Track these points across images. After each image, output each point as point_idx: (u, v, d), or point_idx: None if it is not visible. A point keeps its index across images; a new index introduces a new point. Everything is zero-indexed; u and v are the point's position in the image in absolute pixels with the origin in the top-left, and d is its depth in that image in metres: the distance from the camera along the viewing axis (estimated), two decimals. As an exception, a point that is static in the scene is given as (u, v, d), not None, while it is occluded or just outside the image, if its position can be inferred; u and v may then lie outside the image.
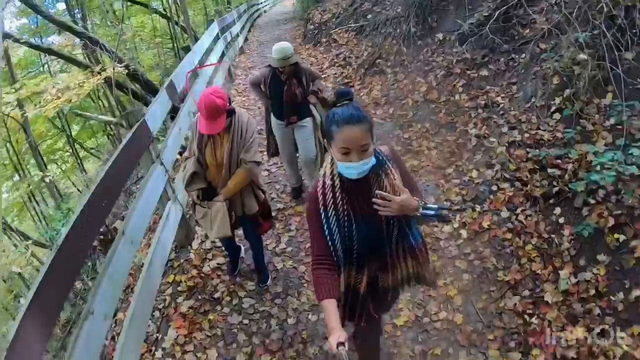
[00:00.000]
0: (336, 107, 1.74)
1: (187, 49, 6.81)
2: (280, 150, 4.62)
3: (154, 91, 9.02)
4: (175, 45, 14.83)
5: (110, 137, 15.82)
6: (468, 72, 5.98)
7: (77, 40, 9.72)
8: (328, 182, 1.85)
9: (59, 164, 16.44)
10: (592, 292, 3.01)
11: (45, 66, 15.32)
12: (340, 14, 10.81)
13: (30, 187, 10.80)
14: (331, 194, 1.84)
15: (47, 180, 10.42)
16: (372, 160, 1.75)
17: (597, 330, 2.85)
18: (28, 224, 13.31)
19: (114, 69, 7.22)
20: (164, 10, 15.71)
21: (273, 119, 4.42)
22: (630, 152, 3.33)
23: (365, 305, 2.09)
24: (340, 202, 1.84)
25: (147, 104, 9.55)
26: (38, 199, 13.21)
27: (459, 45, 6.51)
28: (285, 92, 4.11)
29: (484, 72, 5.77)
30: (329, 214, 1.85)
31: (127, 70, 8.14)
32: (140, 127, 3.44)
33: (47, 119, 11.07)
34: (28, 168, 13.25)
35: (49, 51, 8.61)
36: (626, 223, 3.15)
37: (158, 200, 3.64)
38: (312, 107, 4.27)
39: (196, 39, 8.22)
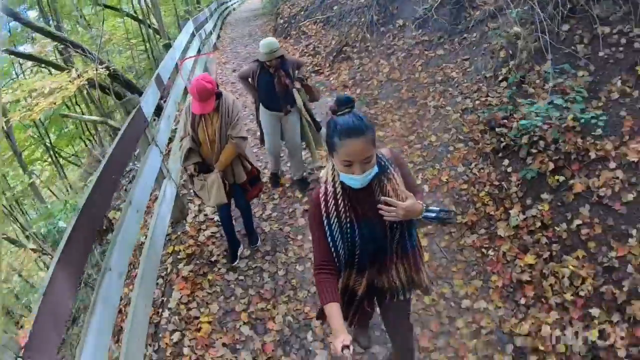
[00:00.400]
0: (337, 115, 1.68)
1: (168, 46, 7.03)
2: (266, 140, 4.66)
3: (134, 90, 9.13)
4: (149, 46, 14.82)
5: (90, 141, 15.66)
6: (426, 52, 6.40)
7: (49, 48, 9.74)
8: (330, 188, 1.81)
9: (38, 174, 16.08)
10: (539, 225, 3.46)
11: (21, 76, 15.10)
12: (308, 7, 11.10)
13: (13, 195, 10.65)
14: (333, 201, 1.80)
15: (32, 183, 10.36)
16: (375, 169, 1.71)
17: (546, 255, 3.29)
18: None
19: (96, 70, 7.34)
20: (135, 12, 15.65)
21: (263, 111, 4.46)
22: (565, 106, 3.79)
23: (360, 306, 2.09)
24: (343, 209, 1.80)
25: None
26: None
27: (417, 29, 6.93)
28: (276, 83, 4.19)
29: (440, 52, 6.19)
30: (332, 221, 1.81)
31: (107, 71, 8.27)
32: (137, 112, 3.73)
33: (24, 127, 10.93)
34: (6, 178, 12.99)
35: (30, 57, 8.63)
36: (564, 166, 3.60)
37: (156, 176, 3.93)
38: (294, 92, 4.35)
39: (169, 40, 8.40)
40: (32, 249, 7.61)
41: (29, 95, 7.81)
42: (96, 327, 2.39)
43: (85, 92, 11.43)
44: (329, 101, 6.19)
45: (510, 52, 5.01)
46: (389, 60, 6.81)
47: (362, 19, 8.27)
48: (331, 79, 7.53)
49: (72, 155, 17.28)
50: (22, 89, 7.98)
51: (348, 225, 1.81)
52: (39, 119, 10.00)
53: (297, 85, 4.34)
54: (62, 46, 9.76)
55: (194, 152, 3.52)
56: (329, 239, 1.84)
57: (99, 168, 2.96)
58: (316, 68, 8.26)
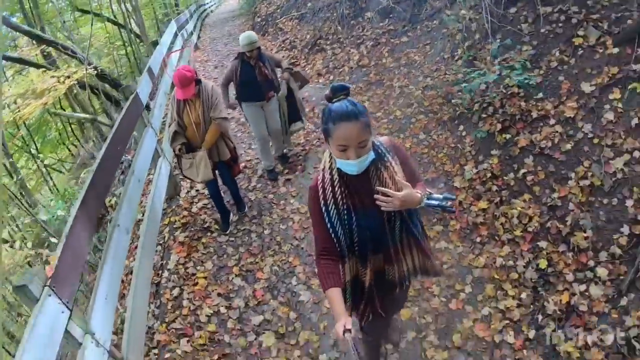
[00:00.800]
0: (332, 102, 1.65)
1: (155, 43, 7.35)
2: (254, 132, 4.81)
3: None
4: (131, 49, 14.90)
5: (75, 146, 15.58)
6: (392, 40, 6.80)
7: (32, 55, 9.83)
8: (327, 176, 1.77)
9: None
10: (490, 175, 3.88)
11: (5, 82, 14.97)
12: (284, 5, 11.43)
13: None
14: (330, 188, 1.76)
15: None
16: (371, 155, 1.68)
17: (496, 200, 3.71)
18: None
19: (86, 69, 7.53)
20: (115, 17, 15.68)
21: (244, 105, 4.64)
22: (509, 75, 4.21)
23: (371, 299, 2.01)
24: (340, 196, 1.75)
25: (117, 104, 9.87)
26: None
27: (383, 20, 7.34)
28: (258, 74, 4.41)
29: (404, 39, 6.60)
30: (330, 208, 1.77)
31: (96, 71, 8.46)
32: (135, 96, 4.05)
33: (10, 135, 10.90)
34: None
35: (20, 61, 8.75)
36: (510, 126, 4.03)
37: (152, 155, 4.23)
38: (284, 83, 4.60)
39: (154, 44, 8.67)
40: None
41: (19, 98, 7.92)
42: (108, 273, 2.71)
43: (72, 94, 11.50)
44: (310, 88, 6.55)
45: (465, 35, 5.44)
46: (358, 49, 7.19)
47: (334, 14, 8.65)
48: (307, 69, 7.89)
49: (57, 161, 17.13)
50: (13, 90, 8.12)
51: (345, 212, 1.76)
52: (24, 123, 10.04)
53: (286, 76, 4.62)
54: (46, 51, 9.92)
55: (180, 134, 3.83)
56: (329, 226, 1.80)
57: (106, 140, 3.29)
58: (293, 60, 8.60)
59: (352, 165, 1.64)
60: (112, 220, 3.11)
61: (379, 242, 1.84)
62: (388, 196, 1.67)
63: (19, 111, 7.82)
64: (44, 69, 7.58)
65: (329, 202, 1.77)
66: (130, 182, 3.43)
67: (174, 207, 4.71)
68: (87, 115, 8.67)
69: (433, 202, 1.79)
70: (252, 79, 4.45)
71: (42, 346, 1.89)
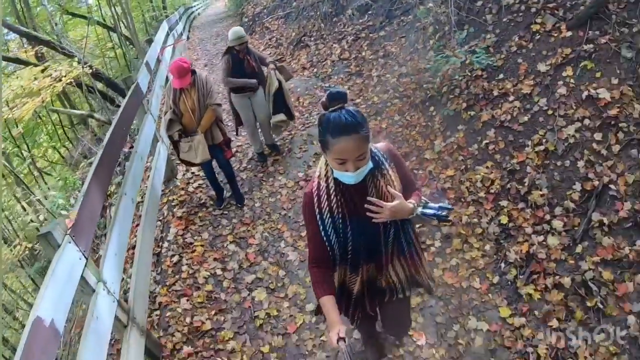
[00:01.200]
0: (329, 111, 1.56)
1: (150, 41, 7.64)
2: (243, 119, 5.01)
3: (116, 89, 9.49)
4: (121, 52, 15.03)
5: (66, 148, 15.55)
6: (371, 35, 7.12)
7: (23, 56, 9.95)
8: (323, 184, 1.70)
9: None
10: (456, 147, 4.22)
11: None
12: (270, 5, 11.71)
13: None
14: (326, 196, 1.70)
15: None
16: (369, 165, 1.62)
17: (462, 168, 4.04)
18: None
19: (82, 68, 7.72)
20: (104, 20, 15.77)
21: (234, 96, 4.85)
22: (473, 60, 4.56)
23: (360, 304, 1.99)
24: (336, 205, 1.69)
25: (112, 102, 10.04)
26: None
27: (363, 17, 7.68)
28: (246, 67, 4.64)
29: (382, 33, 6.93)
30: (324, 217, 1.71)
31: (91, 70, 8.63)
32: (136, 86, 4.33)
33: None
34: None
35: (18, 61, 8.87)
36: (474, 104, 4.37)
37: (152, 138, 4.49)
38: (272, 72, 4.76)
39: (149, 41, 8.90)
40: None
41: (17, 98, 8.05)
42: (117, 233, 2.97)
43: (64, 95, 11.62)
44: (295, 80, 6.86)
45: (436, 27, 5.80)
46: (340, 43, 7.51)
47: (318, 12, 8.96)
48: (292, 64, 8.19)
49: (49, 163, 16.98)
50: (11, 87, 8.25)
51: (340, 221, 1.71)
52: (16, 125, 10.08)
53: (272, 66, 4.83)
54: (40, 53, 10.06)
55: (175, 122, 4.07)
56: (323, 234, 1.74)
57: (114, 120, 3.58)
58: (279, 57, 8.89)
59: (349, 177, 1.58)
60: (119, 191, 3.37)
61: (373, 251, 1.81)
62: (379, 206, 1.63)
63: (13, 112, 7.96)
64: (43, 68, 7.72)
65: (324, 210, 1.71)
66: (134, 159, 3.69)
67: (171, 187, 4.97)
68: (84, 112, 8.84)
69: (428, 211, 1.81)
70: (240, 71, 4.67)
71: (62, 285, 2.11)
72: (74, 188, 6.69)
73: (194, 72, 3.99)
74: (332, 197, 1.70)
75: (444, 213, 1.86)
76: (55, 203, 6.60)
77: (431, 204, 1.86)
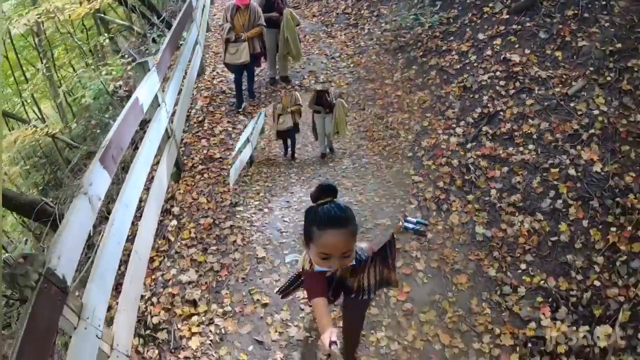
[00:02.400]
0: (318, 204, 1.50)
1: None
2: (267, 48, 5.83)
3: (153, 10, 10.08)
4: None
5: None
6: None
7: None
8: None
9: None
10: (407, 79, 5.61)
11: None
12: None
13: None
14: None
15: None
16: (352, 263, 1.59)
17: (408, 92, 5.43)
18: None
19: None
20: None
21: (266, 30, 5.58)
22: (434, 26, 5.89)
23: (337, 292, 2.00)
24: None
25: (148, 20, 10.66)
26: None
27: None
28: (276, 9, 5.70)
29: None
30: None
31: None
32: (189, 2, 5.55)
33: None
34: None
35: None
36: (427, 53, 5.73)
37: (195, 41, 5.67)
38: (287, 14, 5.66)
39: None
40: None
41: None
42: (177, 75, 4.30)
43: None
44: (306, 22, 8.09)
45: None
46: (346, 2, 8.72)
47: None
48: (305, 11, 9.38)
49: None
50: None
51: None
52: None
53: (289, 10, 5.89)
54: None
55: (232, 30, 5.26)
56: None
57: (176, 19, 4.84)
58: (295, 5, 10.05)
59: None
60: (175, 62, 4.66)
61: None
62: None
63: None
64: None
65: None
66: (183, 49, 4.98)
67: (200, 79, 6.27)
68: (126, 22, 9.79)
69: (409, 225, 1.98)
70: (271, 10, 5.75)
71: (151, 87, 3.43)
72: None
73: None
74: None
75: (422, 229, 2.08)
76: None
77: (410, 218, 2.03)
